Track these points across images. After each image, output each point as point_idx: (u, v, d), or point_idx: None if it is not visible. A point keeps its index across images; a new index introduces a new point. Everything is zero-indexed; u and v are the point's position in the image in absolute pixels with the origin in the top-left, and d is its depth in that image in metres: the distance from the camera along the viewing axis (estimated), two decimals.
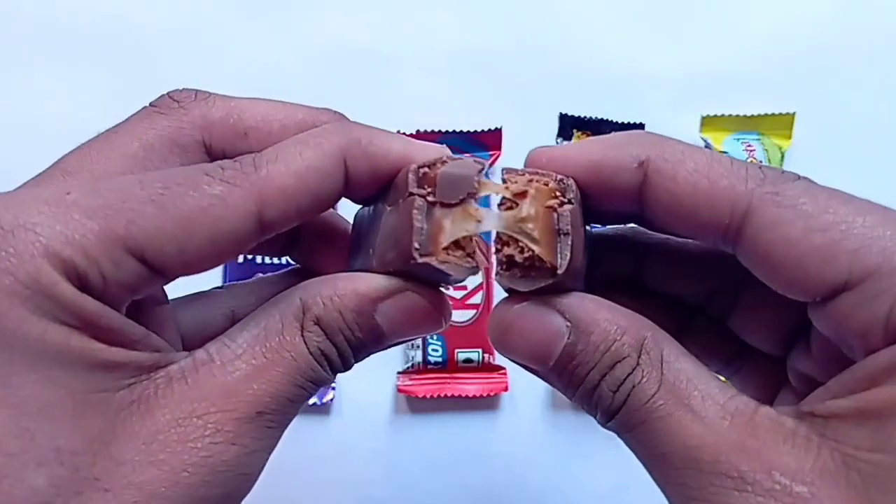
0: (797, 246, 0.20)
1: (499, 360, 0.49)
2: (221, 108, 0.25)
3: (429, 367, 0.48)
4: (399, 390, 0.48)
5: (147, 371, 0.21)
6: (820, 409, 0.20)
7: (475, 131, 0.50)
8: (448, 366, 0.48)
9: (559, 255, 0.21)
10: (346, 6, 0.53)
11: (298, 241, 0.29)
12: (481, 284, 0.49)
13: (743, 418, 0.20)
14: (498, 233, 0.21)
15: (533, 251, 0.21)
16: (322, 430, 0.47)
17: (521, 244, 0.21)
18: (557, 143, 0.51)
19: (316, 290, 0.23)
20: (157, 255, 0.21)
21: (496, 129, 0.51)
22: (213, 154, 0.25)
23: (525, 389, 0.49)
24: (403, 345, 0.48)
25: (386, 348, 0.24)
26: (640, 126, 0.51)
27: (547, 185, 0.21)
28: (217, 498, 0.21)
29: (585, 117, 0.51)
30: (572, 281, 0.22)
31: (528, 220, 0.21)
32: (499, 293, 0.24)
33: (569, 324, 0.22)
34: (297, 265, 0.30)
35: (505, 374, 0.49)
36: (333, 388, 0.47)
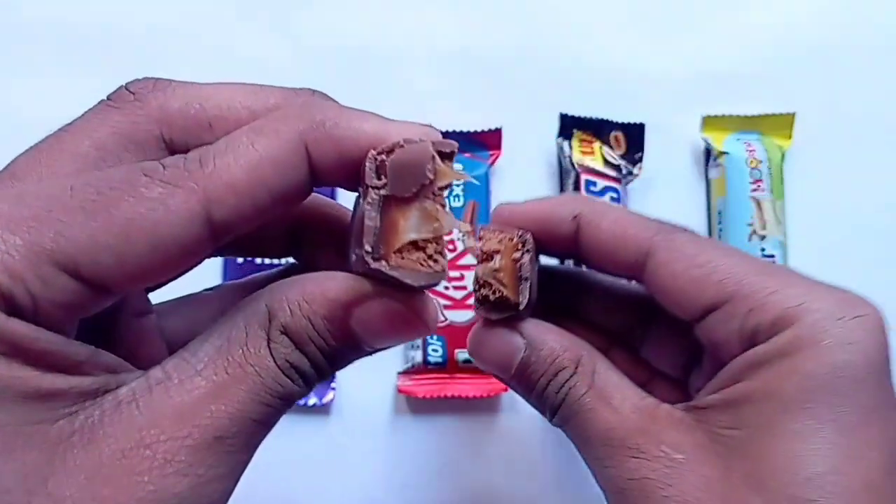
0: (680, 278, 0.26)
1: None
2: (181, 97, 0.22)
3: (429, 367, 0.48)
4: (399, 390, 0.48)
5: (92, 396, 0.19)
6: (700, 402, 0.26)
7: (475, 131, 0.50)
8: (448, 366, 0.48)
9: (521, 295, 0.26)
10: (345, 6, 0.53)
11: (301, 240, 0.27)
12: None
13: (647, 411, 0.26)
14: (476, 277, 0.27)
15: (503, 293, 0.26)
16: (322, 430, 0.47)
17: (494, 287, 0.26)
18: (558, 142, 0.51)
19: (282, 295, 0.21)
20: (92, 268, 0.19)
21: (496, 129, 0.51)
22: (175, 149, 0.22)
23: None
24: (403, 345, 0.48)
25: (371, 354, 0.23)
26: (641, 126, 0.51)
27: (511, 240, 0.27)
28: None
29: (586, 117, 0.51)
30: (528, 311, 0.28)
31: (500, 271, 0.26)
32: None
33: (525, 342, 0.27)
34: (297, 262, 0.28)
35: None
36: (333, 389, 0.47)
